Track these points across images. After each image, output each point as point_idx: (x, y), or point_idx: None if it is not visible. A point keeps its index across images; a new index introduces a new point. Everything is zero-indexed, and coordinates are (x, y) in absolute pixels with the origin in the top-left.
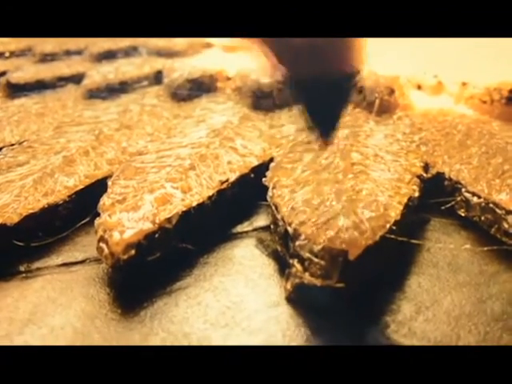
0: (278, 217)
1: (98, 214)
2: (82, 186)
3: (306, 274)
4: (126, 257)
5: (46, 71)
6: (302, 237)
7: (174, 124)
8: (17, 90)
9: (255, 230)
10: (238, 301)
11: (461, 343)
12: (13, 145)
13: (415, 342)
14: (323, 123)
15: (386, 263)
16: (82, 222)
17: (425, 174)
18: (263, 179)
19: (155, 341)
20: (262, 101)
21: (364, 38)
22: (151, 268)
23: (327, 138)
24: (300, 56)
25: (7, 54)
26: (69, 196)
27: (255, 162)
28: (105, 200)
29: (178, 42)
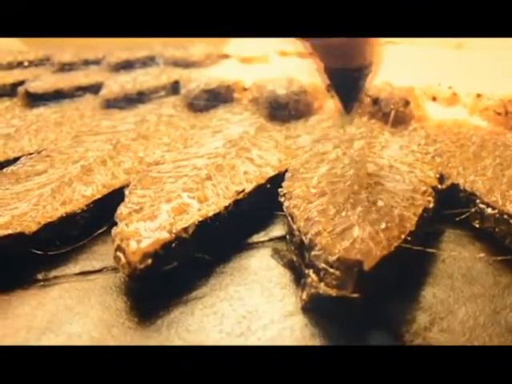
0: (294, 227)
1: (115, 223)
2: (99, 196)
3: (322, 284)
4: (142, 266)
5: (64, 81)
6: (318, 247)
7: (190, 134)
8: (35, 99)
9: (271, 240)
10: (254, 310)
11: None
12: (31, 154)
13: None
14: (347, 99)
15: (400, 274)
16: (100, 231)
17: (440, 186)
18: (279, 189)
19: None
20: (278, 112)
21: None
22: (168, 277)
23: (349, 110)
24: (331, 53)
25: (26, 64)
26: (86, 205)
27: (271, 173)
28: (122, 209)
29: (195, 53)
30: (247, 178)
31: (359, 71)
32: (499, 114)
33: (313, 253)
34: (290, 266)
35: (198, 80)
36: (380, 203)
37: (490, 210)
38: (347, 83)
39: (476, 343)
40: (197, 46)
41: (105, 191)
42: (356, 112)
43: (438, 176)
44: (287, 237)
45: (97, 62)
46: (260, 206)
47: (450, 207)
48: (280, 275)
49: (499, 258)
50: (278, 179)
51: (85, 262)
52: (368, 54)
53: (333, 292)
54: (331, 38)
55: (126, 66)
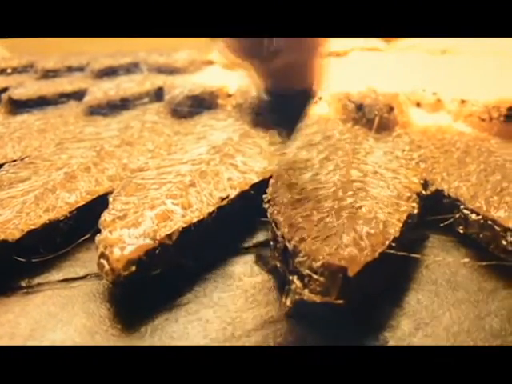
0: (278, 233)
1: (99, 230)
2: (83, 202)
3: (306, 291)
4: (126, 273)
5: (48, 87)
6: (302, 253)
7: (174, 141)
8: (19, 106)
9: (255, 246)
10: (238, 317)
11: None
12: (14, 161)
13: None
14: (288, 124)
15: (385, 280)
16: (83, 238)
17: (424, 191)
18: (263, 196)
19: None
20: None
21: (323, 62)
22: (152, 284)
23: (289, 136)
24: (276, 76)
25: (9, 71)
26: (70, 212)
27: (255, 179)
28: (106, 216)
29: (179, 59)
30: (231, 184)
31: (301, 96)
32: (483, 120)
33: (297, 259)
34: (274, 272)
35: (181, 86)
36: (364, 209)
37: (474, 216)
38: (288, 107)
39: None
40: (181, 53)
41: (88, 198)
42: (293, 136)
43: (422, 182)
44: (271, 243)
45: (81, 69)
46: (244, 213)
47: (435, 213)
48: (264, 282)
49: (483, 263)
50: (262, 185)
51: (68, 269)
52: (312, 79)
53: (317, 298)
54: (274, 60)
55: (110, 72)
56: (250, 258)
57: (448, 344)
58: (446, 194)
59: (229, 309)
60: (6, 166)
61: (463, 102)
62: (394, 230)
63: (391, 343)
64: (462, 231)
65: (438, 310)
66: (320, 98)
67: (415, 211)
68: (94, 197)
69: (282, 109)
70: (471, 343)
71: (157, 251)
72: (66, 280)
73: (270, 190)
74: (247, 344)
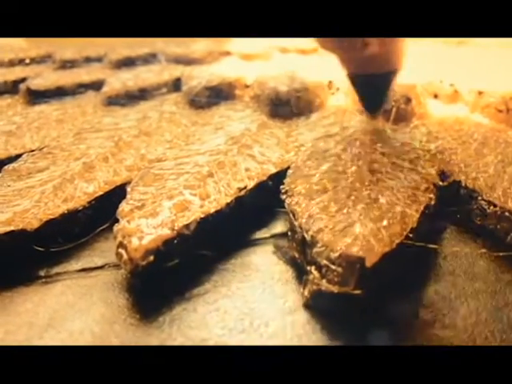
0: (296, 224)
1: (117, 220)
2: (101, 192)
3: (324, 281)
4: (144, 263)
5: (66, 78)
6: (320, 244)
7: (192, 131)
8: (37, 96)
9: (273, 236)
10: (256, 307)
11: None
12: (33, 151)
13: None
14: (373, 104)
15: (402, 270)
16: (101, 227)
17: (441, 183)
18: (281, 186)
19: None
20: (279, 108)
21: (404, 44)
22: (170, 274)
23: (375, 114)
24: (361, 61)
25: (27, 61)
26: (88, 202)
27: (273, 170)
28: (124, 206)
29: (197, 50)
30: (249, 175)
31: (386, 76)
32: (501, 111)
33: (315, 250)
34: (292, 262)
35: (199, 77)
36: (382, 200)
37: (491, 207)
38: (373, 87)
39: (478, 340)
40: (198, 43)
41: (106, 188)
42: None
43: (439, 173)
44: (289, 234)
45: (98, 59)
46: (262, 203)
47: (452, 204)
48: (282, 272)
49: (501, 254)
50: (279, 176)
51: (87, 259)
52: (396, 60)
53: (335, 289)
54: (365, 51)
55: (128, 62)
56: (267, 249)
57: (465, 335)
58: (463, 185)
59: (247, 299)
60: (24, 155)
61: (480, 93)
62: (412, 221)
63: (409, 334)
64: (479, 222)
65: (456, 300)
66: (337, 89)
67: (432, 202)
68: (112, 187)
69: (368, 89)
70: (489, 334)
71: (175, 241)
72: (84, 270)
73: (287, 180)
74: (265, 334)
